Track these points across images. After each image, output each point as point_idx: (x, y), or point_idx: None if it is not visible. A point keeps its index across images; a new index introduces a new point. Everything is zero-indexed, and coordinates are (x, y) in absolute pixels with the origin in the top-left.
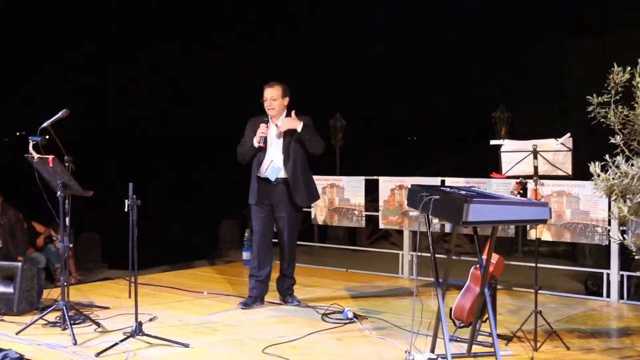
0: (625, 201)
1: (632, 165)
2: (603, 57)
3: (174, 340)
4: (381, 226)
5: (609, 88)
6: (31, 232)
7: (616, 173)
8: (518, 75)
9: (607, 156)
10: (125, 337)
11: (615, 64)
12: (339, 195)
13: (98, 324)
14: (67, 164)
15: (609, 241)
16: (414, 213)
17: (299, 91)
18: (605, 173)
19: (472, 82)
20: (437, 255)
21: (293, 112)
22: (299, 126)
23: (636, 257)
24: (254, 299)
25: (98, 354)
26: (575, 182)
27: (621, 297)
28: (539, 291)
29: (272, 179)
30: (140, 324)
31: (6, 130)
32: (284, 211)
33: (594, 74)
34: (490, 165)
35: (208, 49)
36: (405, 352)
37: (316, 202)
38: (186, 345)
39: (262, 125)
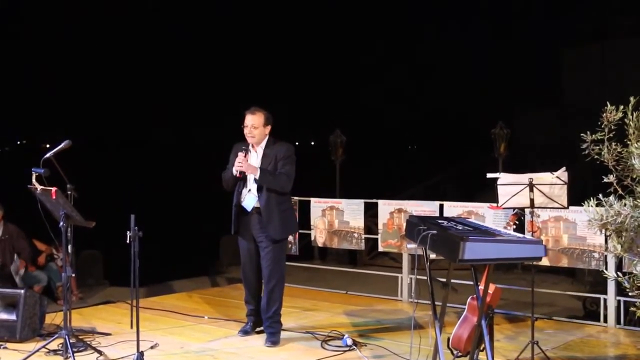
0: (620, 237)
1: (625, 205)
2: (601, 65)
3: None
4: (380, 249)
5: (602, 126)
6: (32, 250)
7: (609, 212)
8: (517, 84)
9: (600, 195)
10: None
11: (608, 102)
12: (339, 217)
13: (100, 352)
14: (69, 192)
15: (606, 267)
16: (412, 245)
17: (299, 108)
18: (600, 221)
19: (472, 92)
20: (435, 281)
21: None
22: (256, 174)
23: (630, 294)
24: (252, 326)
25: None
26: (572, 208)
27: (618, 322)
28: (537, 316)
29: (249, 208)
30: (141, 354)
31: (6, 139)
32: (262, 242)
33: (592, 82)
34: (490, 179)
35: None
36: None
37: (295, 232)
38: None
39: (240, 155)
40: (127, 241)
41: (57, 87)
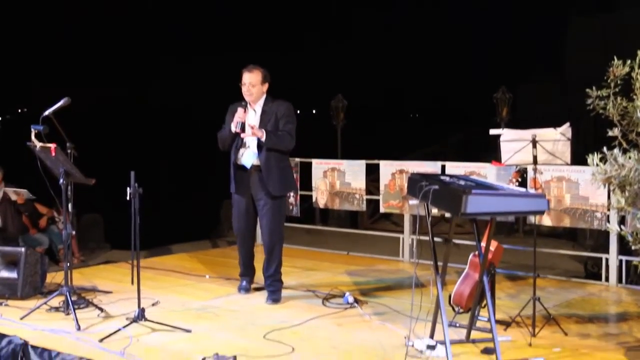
0: (623, 192)
1: (630, 158)
2: (603, 37)
3: (176, 325)
4: (382, 210)
5: (609, 81)
6: (34, 213)
7: (614, 165)
8: (518, 55)
9: (604, 148)
10: (128, 322)
11: (615, 57)
12: (340, 179)
13: (101, 309)
14: (69, 151)
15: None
16: (413, 202)
17: (300, 73)
18: (604, 163)
19: (474, 61)
20: (437, 239)
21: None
22: (262, 137)
23: (633, 248)
24: (249, 283)
25: (101, 340)
26: (575, 168)
27: (620, 281)
28: (538, 275)
29: (248, 165)
30: (142, 310)
31: (7, 107)
32: (262, 200)
33: (593, 54)
34: (492, 144)
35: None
36: (405, 338)
37: (293, 192)
38: (188, 331)
39: (240, 110)
40: (127, 198)
41: (58, 55)
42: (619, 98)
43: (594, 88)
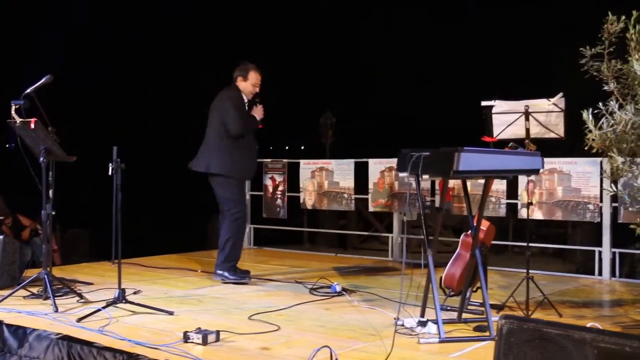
0: (621, 152)
1: (627, 112)
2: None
3: (158, 307)
4: (370, 209)
5: (603, 39)
6: (17, 225)
7: (610, 122)
8: (510, 69)
9: (600, 104)
10: (107, 304)
11: (609, 12)
12: (328, 178)
13: (81, 296)
14: (51, 135)
15: (601, 219)
16: (404, 174)
17: (290, 88)
18: (599, 130)
19: (463, 77)
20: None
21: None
22: None
23: (630, 209)
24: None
25: (79, 320)
26: (567, 159)
27: (613, 274)
28: (531, 253)
29: None
30: (123, 291)
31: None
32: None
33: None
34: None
35: None
36: (395, 318)
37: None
38: (170, 313)
39: (260, 108)
40: (109, 173)
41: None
42: (612, 60)
43: (587, 47)
